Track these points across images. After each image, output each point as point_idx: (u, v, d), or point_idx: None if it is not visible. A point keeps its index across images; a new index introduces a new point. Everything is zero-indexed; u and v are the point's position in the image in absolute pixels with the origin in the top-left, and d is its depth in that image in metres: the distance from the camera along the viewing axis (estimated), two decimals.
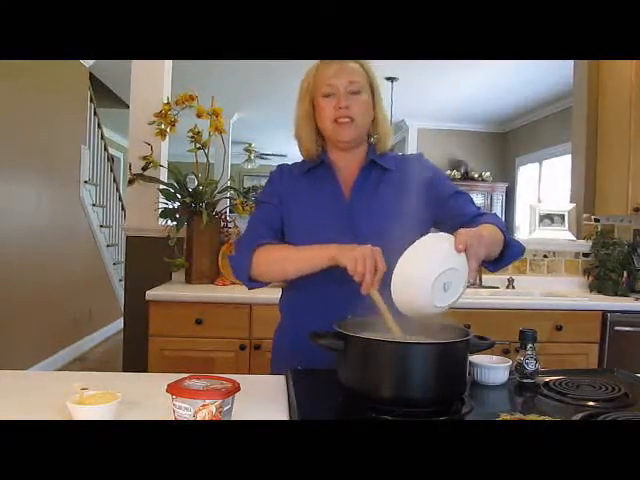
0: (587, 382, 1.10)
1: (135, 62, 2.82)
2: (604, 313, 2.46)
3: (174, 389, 0.81)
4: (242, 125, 7.20)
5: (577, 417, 0.89)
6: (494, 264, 1.21)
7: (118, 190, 5.98)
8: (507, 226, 1.20)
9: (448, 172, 6.74)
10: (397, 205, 1.21)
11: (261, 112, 6.86)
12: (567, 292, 2.85)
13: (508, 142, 7.11)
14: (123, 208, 5.88)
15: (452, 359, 0.91)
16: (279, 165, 1.35)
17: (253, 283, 1.22)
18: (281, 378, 1.10)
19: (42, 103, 3.96)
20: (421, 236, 0.99)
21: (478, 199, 6.84)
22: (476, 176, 6.83)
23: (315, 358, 1.07)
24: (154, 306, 2.25)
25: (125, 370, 2.78)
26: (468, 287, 1.16)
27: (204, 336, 2.25)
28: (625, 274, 2.82)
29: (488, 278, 2.92)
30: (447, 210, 1.24)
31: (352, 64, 1.21)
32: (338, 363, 0.96)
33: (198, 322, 2.24)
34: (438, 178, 1.29)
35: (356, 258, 1.00)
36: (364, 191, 1.23)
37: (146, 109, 2.72)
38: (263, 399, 0.99)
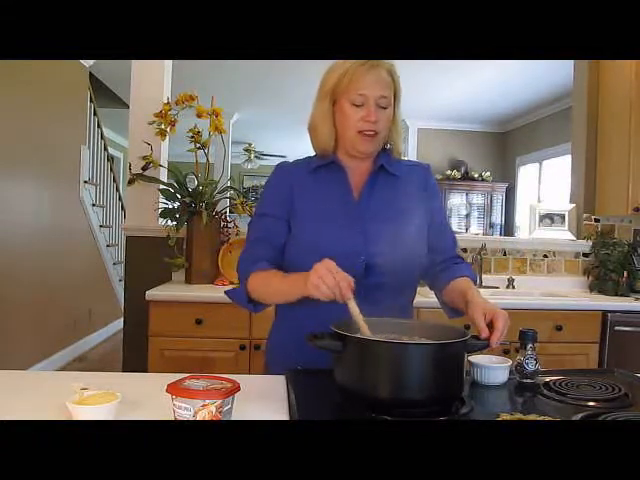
0: (587, 382, 1.10)
1: (135, 62, 2.82)
2: (604, 313, 2.46)
3: (174, 389, 0.81)
4: (242, 125, 7.20)
5: (577, 417, 0.89)
6: (455, 313, 1.24)
7: (118, 190, 5.97)
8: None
9: (448, 172, 6.74)
10: (404, 210, 1.23)
11: (261, 112, 6.86)
12: (567, 292, 2.85)
13: (508, 142, 7.11)
14: (123, 208, 5.87)
15: (449, 359, 0.91)
16: (279, 165, 1.30)
17: (258, 307, 1.21)
18: (281, 378, 1.10)
19: (42, 103, 3.96)
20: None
21: (478, 199, 6.84)
22: (476, 176, 6.83)
23: (311, 359, 1.07)
24: (154, 306, 2.25)
25: (125, 370, 2.78)
26: None
27: (204, 336, 2.25)
28: (625, 274, 2.82)
29: (488, 278, 2.93)
30: (430, 235, 1.26)
31: (385, 74, 1.16)
32: (335, 363, 0.96)
33: (198, 322, 2.24)
34: (437, 200, 1.31)
35: (315, 284, 0.97)
36: (373, 194, 1.22)
37: (146, 109, 2.72)
38: (263, 399, 0.99)
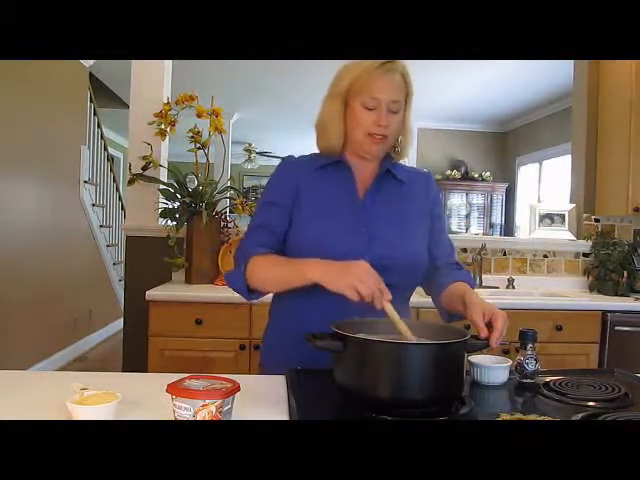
0: (587, 382, 1.10)
1: (135, 62, 2.82)
2: (604, 313, 2.47)
3: (174, 389, 0.81)
4: (242, 125, 7.20)
5: (577, 417, 0.89)
6: (452, 317, 1.24)
7: (118, 190, 5.97)
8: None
9: (448, 172, 6.74)
10: (407, 214, 1.24)
11: (261, 112, 6.85)
12: (567, 292, 2.84)
13: (508, 142, 7.10)
14: (123, 208, 5.87)
15: (449, 359, 0.91)
16: (285, 158, 1.28)
17: (252, 295, 1.19)
18: (281, 378, 1.10)
19: (42, 103, 3.95)
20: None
21: (478, 199, 6.84)
22: (476, 176, 6.83)
23: (309, 359, 1.07)
24: (154, 306, 2.25)
25: (125, 370, 2.78)
26: None
27: (204, 336, 2.25)
28: (625, 274, 2.82)
29: (488, 278, 2.93)
30: (429, 241, 1.27)
31: (399, 78, 1.15)
32: (335, 364, 0.96)
33: (198, 322, 2.24)
34: (438, 208, 1.33)
35: (353, 285, 0.96)
36: (377, 197, 1.23)
37: (146, 109, 2.72)
38: (263, 399, 0.99)
